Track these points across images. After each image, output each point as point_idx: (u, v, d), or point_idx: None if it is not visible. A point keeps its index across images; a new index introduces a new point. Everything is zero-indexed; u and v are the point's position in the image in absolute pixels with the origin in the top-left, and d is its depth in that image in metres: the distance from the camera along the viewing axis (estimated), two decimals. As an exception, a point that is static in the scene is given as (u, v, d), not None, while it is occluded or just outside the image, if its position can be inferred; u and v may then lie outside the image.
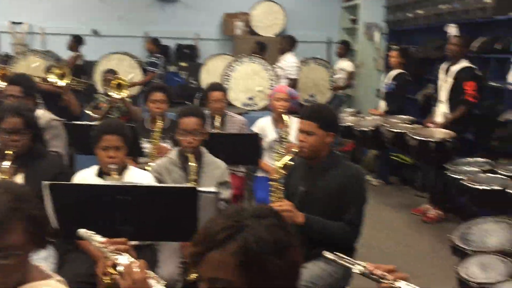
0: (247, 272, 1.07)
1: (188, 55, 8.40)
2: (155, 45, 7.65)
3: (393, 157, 6.21)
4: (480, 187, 3.08)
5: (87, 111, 5.07)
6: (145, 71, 7.32)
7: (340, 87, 7.40)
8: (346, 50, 7.55)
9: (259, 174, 4.04)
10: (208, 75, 6.95)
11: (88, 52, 7.52)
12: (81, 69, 7.14)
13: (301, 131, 2.54)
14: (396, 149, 5.50)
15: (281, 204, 2.43)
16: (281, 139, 3.88)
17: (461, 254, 2.30)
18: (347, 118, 5.79)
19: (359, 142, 5.64)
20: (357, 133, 5.23)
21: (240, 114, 5.31)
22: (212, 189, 2.27)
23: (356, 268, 1.35)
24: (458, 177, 3.38)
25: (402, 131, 4.61)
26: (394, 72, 5.82)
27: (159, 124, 3.57)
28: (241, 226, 1.10)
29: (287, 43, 6.71)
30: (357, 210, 2.47)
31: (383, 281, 1.29)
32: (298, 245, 1.16)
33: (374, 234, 4.53)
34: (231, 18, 8.47)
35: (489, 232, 2.35)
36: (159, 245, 2.63)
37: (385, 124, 4.90)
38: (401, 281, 1.27)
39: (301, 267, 1.16)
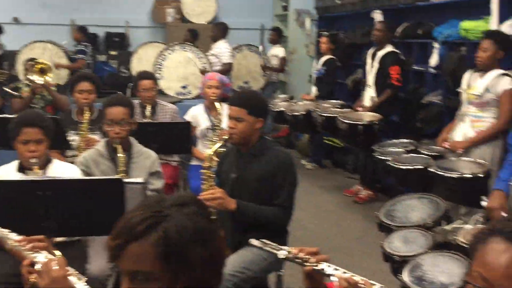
0: (169, 262, 1.06)
1: (118, 43, 8.17)
2: (82, 33, 7.37)
3: (326, 141, 6.37)
4: (404, 167, 3.24)
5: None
6: (72, 60, 7.03)
7: (271, 68, 7.44)
8: (278, 37, 7.62)
9: (193, 162, 4.01)
10: (140, 63, 6.79)
11: (8, 41, 7.10)
12: (1, 59, 6.75)
13: (231, 117, 2.55)
14: (327, 133, 5.64)
15: (213, 192, 2.44)
16: (214, 127, 3.88)
17: (387, 230, 2.42)
18: (279, 103, 5.86)
19: (292, 127, 5.74)
20: (289, 118, 5.31)
21: (174, 103, 5.24)
22: (139, 179, 2.23)
23: (281, 253, 1.37)
24: (384, 158, 3.53)
25: (333, 115, 4.73)
26: (324, 58, 5.98)
27: (87, 115, 3.45)
28: (162, 216, 1.08)
29: (219, 30, 6.66)
30: (287, 194, 2.51)
31: (306, 264, 1.31)
32: (220, 232, 1.16)
33: (309, 217, 4.65)
34: (162, 5, 8.31)
35: (412, 208, 2.48)
36: (88, 241, 2.56)
37: (316, 109, 5.00)
38: (323, 262, 1.30)
39: (224, 254, 1.16)
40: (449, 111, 4.56)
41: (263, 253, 2.49)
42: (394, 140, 4.24)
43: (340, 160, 6.13)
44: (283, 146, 7.14)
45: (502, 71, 3.42)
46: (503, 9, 3.88)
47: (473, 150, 3.40)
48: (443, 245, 2.26)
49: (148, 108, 3.87)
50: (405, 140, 4.19)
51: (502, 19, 3.87)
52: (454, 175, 2.90)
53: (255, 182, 2.52)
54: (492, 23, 3.97)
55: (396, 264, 2.21)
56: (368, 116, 4.51)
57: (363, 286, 1.23)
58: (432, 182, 3.02)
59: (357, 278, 1.23)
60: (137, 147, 2.86)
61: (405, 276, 2.04)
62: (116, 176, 2.45)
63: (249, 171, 2.55)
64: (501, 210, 2.16)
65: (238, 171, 2.58)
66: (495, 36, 3.47)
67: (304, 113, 5.18)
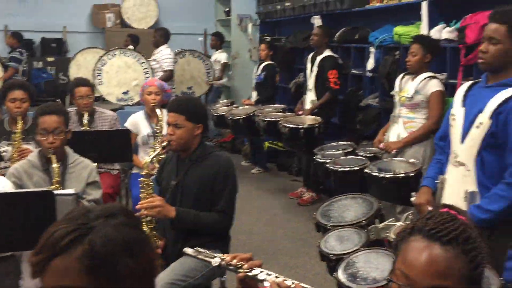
0: (96, 276, 1.03)
1: (55, 49, 7.89)
2: (17, 39, 7.08)
3: (270, 145, 6.44)
4: (341, 169, 3.33)
5: None
6: (6, 67, 6.73)
7: (215, 79, 7.46)
8: (219, 42, 7.62)
9: (135, 171, 3.94)
10: (79, 70, 6.58)
11: None
12: None
13: (169, 124, 2.53)
14: (270, 137, 5.71)
15: (151, 200, 2.41)
16: (155, 134, 3.83)
17: (324, 230, 2.47)
18: (220, 108, 5.88)
19: (233, 131, 5.76)
20: (230, 122, 5.33)
21: (115, 110, 5.13)
22: (70, 191, 2.16)
23: (214, 261, 1.37)
24: (323, 160, 3.60)
25: (275, 119, 4.78)
26: (264, 64, 6.07)
27: (20, 124, 3.31)
28: (87, 229, 1.06)
29: (160, 35, 6.57)
30: (228, 200, 2.52)
31: (240, 270, 1.32)
32: (151, 242, 1.15)
33: (253, 221, 4.68)
34: (101, 10, 8.11)
35: (347, 207, 2.55)
36: (22, 255, 2.45)
37: (258, 114, 5.04)
38: (257, 268, 1.31)
39: (155, 265, 1.15)
40: (386, 113, 4.72)
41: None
42: (334, 143, 4.35)
43: (284, 163, 6.20)
44: (228, 151, 7.16)
45: (430, 74, 3.57)
46: (433, 15, 4.07)
47: (406, 150, 3.53)
48: (376, 243, 2.33)
49: (86, 116, 3.77)
50: (344, 143, 4.30)
51: (432, 24, 4.06)
52: (387, 175, 3.00)
53: (195, 188, 2.51)
54: (423, 28, 4.16)
55: (332, 262, 2.25)
56: (309, 120, 4.59)
57: None
58: (368, 182, 3.11)
59: (289, 282, 1.24)
60: (73, 157, 2.77)
61: (340, 274, 2.09)
62: (46, 188, 2.36)
63: (189, 178, 2.54)
64: (428, 205, 2.27)
65: (178, 178, 2.56)
66: (422, 40, 3.62)
67: (244, 117, 5.21)
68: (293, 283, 1.24)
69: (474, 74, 3.67)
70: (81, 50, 6.78)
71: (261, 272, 1.30)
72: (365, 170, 3.11)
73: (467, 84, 2.35)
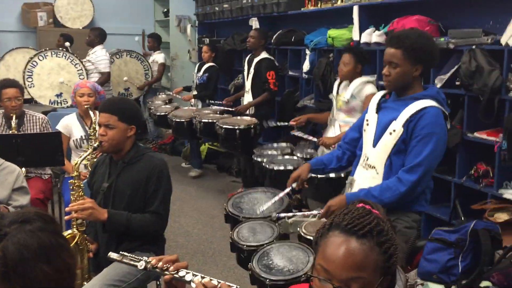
0: (10, 283, 1.01)
1: (-17, 48, 7.48)
2: None
3: (210, 146, 6.44)
4: (276, 168, 3.38)
5: None
6: None
7: (146, 84, 7.36)
8: (156, 43, 7.51)
9: (68, 175, 3.82)
10: (8, 71, 6.29)
11: None
12: None
13: (101, 124, 2.48)
14: (208, 139, 5.71)
15: (82, 203, 2.34)
16: (89, 136, 3.73)
17: (234, 221, 2.51)
18: (162, 107, 5.83)
19: (176, 133, 5.70)
20: (173, 124, 5.29)
21: (47, 112, 4.95)
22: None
23: (140, 264, 1.35)
24: (260, 160, 3.65)
25: (211, 120, 4.78)
26: (206, 65, 6.05)
27: None
28: (0, 235, 1.03)
29: (96, 35, 6.41)
30: (162, 201, 2.49)
31: (166, 272, 1.32)
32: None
33: (192, 223, 4.66)
34: (32, 9, 7.79)
35: (258, 200, 2.61)
36: None
37: (196, 115, 5.03)
38: (183, 270, 1.32)
39: (73, 269, 1.13)
40: (321, 113, 4.85)
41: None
42: (274, 144, 4.42)
43: (224, 164, 6.22)
44: (168, 153, 7.10)
45: (366, 79, 3.71)
46: (363, 19, 4.23)
47: None
48: (285, 236, 2.43)
49: (14, 119, 3.61)
50: (283, 144, 4.38)
51: (363, 28, 4.21)
52: (320, 175, 3.06)
53: (128, 190, 2.47)
54: (355, 31, 4.30)
55: (244, 254, 2.30)
56: (245, 121, 4.63)
57: None
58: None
59: (215, 281, 1.26)
60: (-2, 161, 2.66)
61: (255, 265, 2.13)
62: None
63: (122, 180, 2.50)
64: (300, 177, 2.49)
65: (111, 180, 2.51)
66: (354, 50, 3.76)
67: (188, 120, 5.19)
68: (218, 282, 1.26)
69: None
70: (10, 50, 6.48)
71: (187, 273, 1.30)
72: None
73: (381, 93, 2.51)
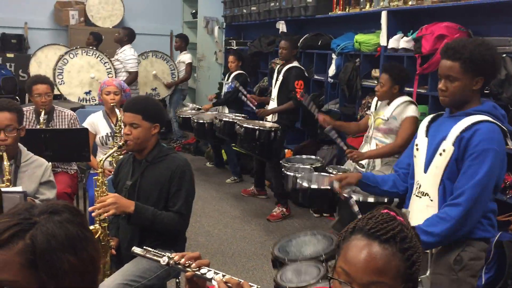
0: (36, 271, 1.03)
1: (16, 45, 7.68)
2: (-26, 34, 6.87)
3: (234, 148, 6.45)
4: (312, 186, 3.19)
5: None
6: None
7: (175, 82, 7.42)
8: (184, 44, 7.53)
9: (93, 171, 3.88)
10: (39, 67, 6.45)
11: None
12: None
13: (126, 123, 2.51)
14: (228, 138, 5.68)
15: (103, 202, 2.36)
16: (114, 134, 3.79)
17: (280, 264, 2.30)
18: (188, 111, 5.90)
19: (197, 135, 5.73)
20: (195, 126, 5.33)
21: (75, 109, 5.04)
22: (19, 188, 2.12)
23: (163, 260, 1.37)
24: (292, 174, 3.51)
25: (231, 120, 4.78)
26: (234, 73, 5.98)
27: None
28: (30, 224, 1.05)
29: (125, 34, 6.50)
30: (184, 201, 2.50)
31: (188, 269, 1.33)
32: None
33: (213, 223, 4.68)
34: (64, 7, 7.97)
35: (306, 243, 2.46)
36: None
37: (217, 116, 5.06)
38: (204, 267, 1.33)
39: (98, 263, 1.14)
40: (346, 118, 4.83)
41: (160, 261, 2.48)
42: (303, 156, 4.37)
43: (247, 166, 6.22)
44: (192, 153, 7.15)
45: (408, 99, 3.52)
46: (392, 25, 4.19)
47: (376, 161, 3.54)
48: None
49: (43, 115, 3.69)
50: (312, 157, 4.35)
51: (391, 33, 4.17)
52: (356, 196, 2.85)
53: (151, 189, 2.50)
54: (382, 36, 4.27)
55: None
56: (267, 124, 4.62)
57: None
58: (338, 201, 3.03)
59: (235, 280, 1.26)
60: (27, 155, 2.72)
61: None
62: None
63: (145, 179, 2.52)
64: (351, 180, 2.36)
65: (134, 179, 2.54)
66: (392, 71, 3.51)
67: (209, 121, 5.21)
68: (239, 281, 1.27)
69: (429, 83, 3.80)
70: (42, 47, 6.64)
71: (208, 271, 1.31)
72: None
73: (430, 116, 2.34)
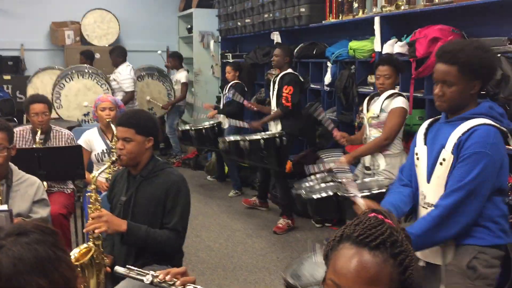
0: None
1: (12, 67, 7.71)
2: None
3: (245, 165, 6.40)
4: (315, 196, 3.09)
5: None
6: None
7: (172, 102, 7.38)
8: (178, 62, 7.46)
9: (89, 188, 3.84)
10: (36, 92, 6.45)
11: None
12: None
13: (119, 138, 2.47)
14: (236, 158, 5.63)
15: (99, 215, 2.32)
16: (110, 150, 3.76)
17: None
18: (185, 127, 5.89)
19: (198, 142, 5.69)
20: (193, 134, 5.30)
21: (72, 127, 5.01)
22: (3, 207, 2.08)
23: (146, 279, 1.33)
24: (299, 192, 3.40)
25: (234, 139, 4.71)
26: (231, 83, 5.97)
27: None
28: None
29: (117, 55, 6.37)
30: (180, 217, 2.45)
31: (173, 287, 1.29)
32: (68, 260, 1.10)
33: (214, 237, 4.62)
34: (60, 27, 8.00)
35: (318, 265, 2.38)
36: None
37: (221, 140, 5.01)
38: (190, 284, 1.28)
39: (73, 282, 1.10)
40: (344, 125, 4.80)
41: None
42: (312, 177, 4.28)
43: (247, 178, 6.17)
44: (191, 168, 7.11)
45: (395, 91, 3.55)
46: (385, 30, 4.17)
47: (380, 163, 3.51)
48: None
49: (39, 134, 3.66)
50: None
51: (384, 39, 4.15)
52: (363, 193, 2.78)
53: (146, 205, 2.45)
54: (376, 42, 4.24)
55: None
56: (269, 133, 4.59)
57: None
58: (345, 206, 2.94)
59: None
60: (18, 174, 2.68)
61: None
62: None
63: (140, 194, 2.48)
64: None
65: (129, 194, 2.50)
66: (392, 62, 3.54)
67: (207, 127, 5.18)
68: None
69: (425, 86, 3.77)
70: (36, 72, 6.64)
71: (194, 287, 1.27)
72: (339, 193, 2.95)
73: (427, 122, 2.27)
